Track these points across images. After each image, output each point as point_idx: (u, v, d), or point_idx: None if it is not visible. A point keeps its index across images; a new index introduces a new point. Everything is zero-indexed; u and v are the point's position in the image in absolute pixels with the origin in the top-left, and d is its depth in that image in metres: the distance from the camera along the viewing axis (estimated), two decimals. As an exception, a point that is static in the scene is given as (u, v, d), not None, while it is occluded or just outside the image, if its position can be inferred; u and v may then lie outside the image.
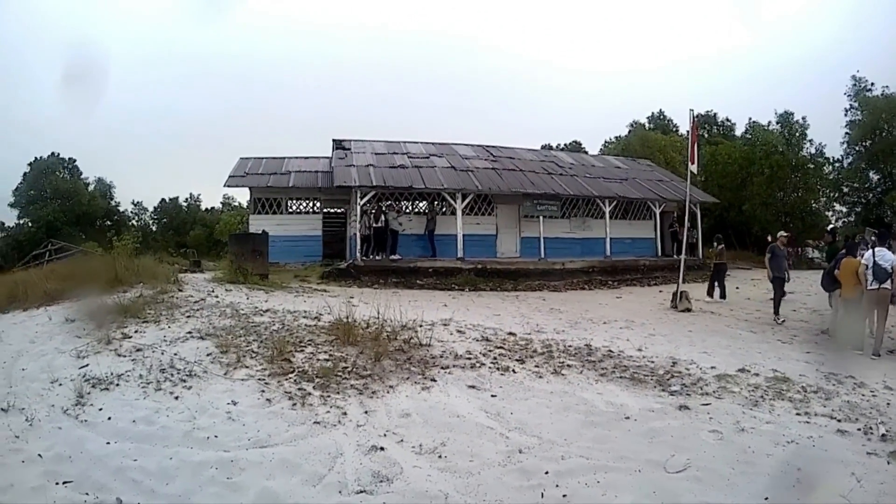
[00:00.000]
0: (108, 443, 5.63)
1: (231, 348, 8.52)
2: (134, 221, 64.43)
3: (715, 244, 19.50)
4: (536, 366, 8.58)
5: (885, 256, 10.63)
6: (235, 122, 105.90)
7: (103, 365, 7.71)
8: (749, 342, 11.44)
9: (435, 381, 7.66)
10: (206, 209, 67.56)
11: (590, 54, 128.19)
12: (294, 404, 6.64)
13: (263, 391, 7.00)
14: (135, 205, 66.63)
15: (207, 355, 8.21)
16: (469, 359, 8.70)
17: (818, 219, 37.26)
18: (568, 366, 8.66)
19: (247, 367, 7.81)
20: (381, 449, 5.65)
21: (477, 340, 9.98)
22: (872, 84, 37.50)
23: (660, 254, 27.26)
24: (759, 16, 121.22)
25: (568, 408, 6.91)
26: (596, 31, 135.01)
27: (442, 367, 8.20)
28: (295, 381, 7.35)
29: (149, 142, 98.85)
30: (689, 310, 15.48)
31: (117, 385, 7.06)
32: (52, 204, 54.23)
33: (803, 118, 38.79)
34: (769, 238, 18.75)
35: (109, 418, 6.14)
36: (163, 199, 67.56)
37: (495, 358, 8.86)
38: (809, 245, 37.43)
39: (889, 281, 10.58)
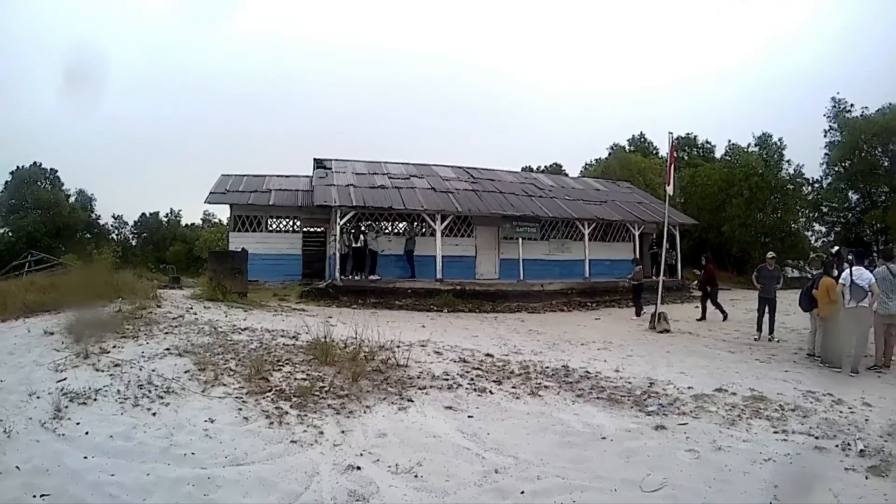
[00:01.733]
0: (86, 457, 5.56)
1: (209, 366, 8.44)
2: (114, 235, 64.07)
3: (633, 265, 20.34)
4: (513, 387, 8.56)
5: (862, 276, 10.68)
6: (219, 139, 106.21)
7: (81, 379, 7.62)
8: (727, 362, 11.45)
9: (412, 401, 7.61)
10: (187, 225, 67.44)
11: (572, 77, 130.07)
12: (271, 423, 6.59)
13: (241, 409, 6.94)
14: (115, 218, 66.54)
15: (185, 372, 8.13)
16: (446, 380, 8.66)
17: (797, 239, 37.46)
18: (545, 387, 8.63)
19: (224, 385, 7.75)
20: (358, 468, 5.59)
21: (454, 361, 9.96)
22: (852, 105, 38.22)
23: None
24: (742, 40, 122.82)
25: (544, 428, 6.88)
26: (579, 55, 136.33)
27: (419, 388, 8.16)
28: (272, 399, 7.30)
29: (130, 154, 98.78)
30: (667, 331, 15.51)
31: (95, 400, 6.97)
32: (32, 214, 54.05)
33: (780, 139, 39.42)
34: (703, 261, 19.16)
35: (87, 433, 6.06)
36: (143, 214, 67.62)
37: (472, 379, 8.82)
38: (789, 265, 37.70)
39: (866, 300, 10.62)
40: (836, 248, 13.93)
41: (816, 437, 6.78)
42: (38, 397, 7.02)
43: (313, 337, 9.83)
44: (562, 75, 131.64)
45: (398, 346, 9.99)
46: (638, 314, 18.67)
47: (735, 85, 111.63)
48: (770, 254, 16.25)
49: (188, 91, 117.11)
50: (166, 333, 10.53)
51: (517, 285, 23.35)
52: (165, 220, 68.00)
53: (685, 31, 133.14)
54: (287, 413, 6.90)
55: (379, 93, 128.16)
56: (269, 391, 7.58)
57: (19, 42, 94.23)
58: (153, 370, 8.14)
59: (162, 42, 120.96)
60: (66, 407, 6.70)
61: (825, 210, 39.86)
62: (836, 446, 6.49)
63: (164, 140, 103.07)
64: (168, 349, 9.29)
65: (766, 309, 14.87)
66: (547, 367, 9.91)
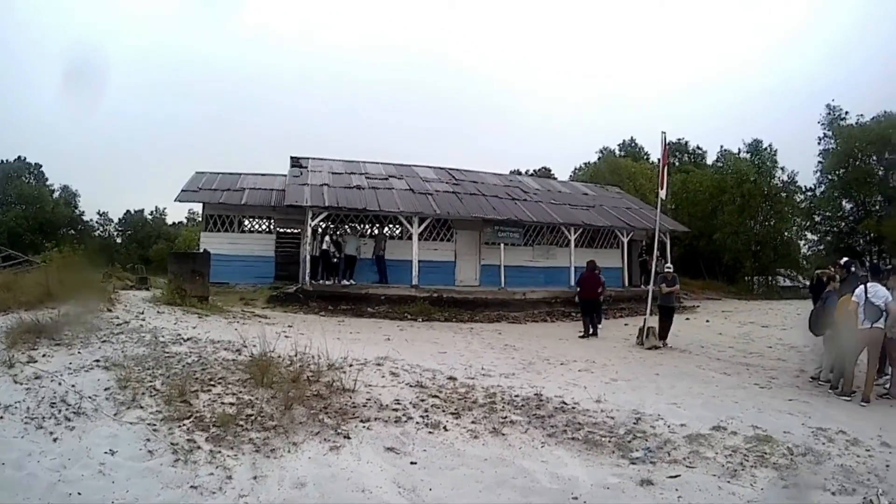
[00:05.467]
0: (-34, 492, 4.57)
1: (132, 383, 7.36)
2: (98, 232, 64.16)
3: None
4: (473, 421, 7.24)
5: (878, 293, 9.48)
6: (207, 136, 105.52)
7: (-4, 393, 6.69)
8: (723, 388, 10.25)
9: (349, 438, 6.36)
10: (172, 223, 67.35)
11: (563, 81, 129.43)
12: (177, 459, 5.52)
13: (149, 440, 5.87)
14: (100, 215, 66.05)
15: (105, 389, 7.10)
16: (396, 410, 7.40)
17: (790, 248, 37.37)
18: (511, 422, 7.32)
19: (142, 407, 6.68)
20: (257, 534, 4.40)
21: (410, 386, 8.67)
22: (847, 113, 37.86)
23: (627, 284, 26.71)
24: (735, 49, 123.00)
25: (502, 482, 5.57)
26: (570, 59, 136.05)
27: (362, 420, 6.90)
28: (188, 429, 6.20)
29: (117, 150, 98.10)
30: (656, 347, 14.43)
31: (1, 418, 6.09)
32: (15, 209, 53.47)
33: (770, 145, 39.48)
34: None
35: (-22, 460, 5.11)
36: (128, 211, 67.38)
37: (427, 410, 7.54)
38: (781, 274, 37.40)
39: (881, 320, 9.45)
40: (845, 259, 12.72)
41: (833, 493, 5.63)
42: (-54, 413, 6.16)
43: (259, 351, 8.59)
44: (552, 79, 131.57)
45: (350, 365, 8.87)
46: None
47: (727, 93, 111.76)
48: (669, 265, 16.93)
49: (175, 87, 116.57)
50: (103, 342, 9.45)
51: (498, 293, 22.60)
52: (150, 217, 67.94)
53: (678, 39, 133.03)
54: (199, 447, 5.79)
55: (366, 91, 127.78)
56: (188, 418, 6.48)
57: (6, 35, 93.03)
58: (73, 385, 7.13)
59: (149, 39, 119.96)
60: (-31, 426, 5.81)
61: (818, 219, 39.47)
62: (857, 505, 5.33)
63: (151, 136, 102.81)
64: (98, 361, 8.22)
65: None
66: (516, 396, 8.56)
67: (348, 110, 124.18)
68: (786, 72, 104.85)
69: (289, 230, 26.02)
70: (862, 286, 9.72)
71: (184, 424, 6.29)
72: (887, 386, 10.08)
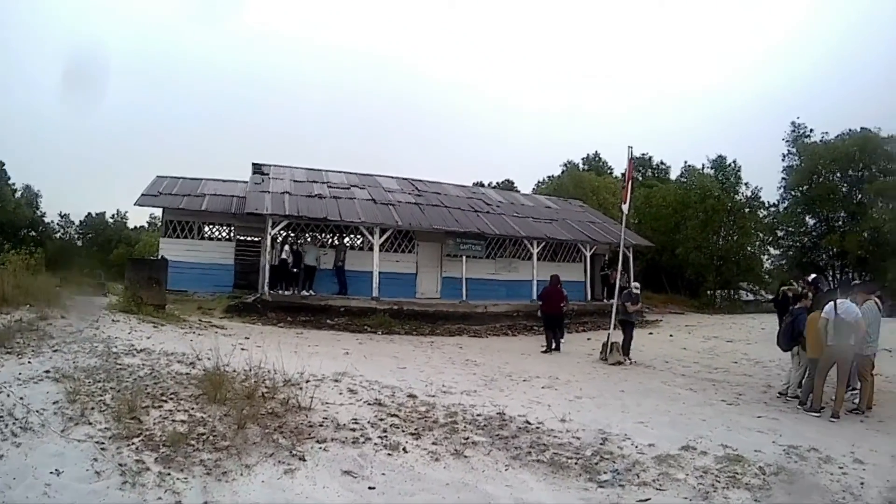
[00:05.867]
0: None
1: (81, 396, 6.97)
2: (59, 234, 63.08)
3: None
4: (434, 442, 6.92)
5: (849, 310, 9.42)
6: (173, 144, 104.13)
7: (-58, 407, 6.26)
8: (690, 405, 10.07)
9: (304, 460, 6.00)
10: (134, 228, 66.53)
11: (529, 92, 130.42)
12: (124, 482, 5.11)
13: (96, 459, 5.44)
14: (62, 217, 64.93)
15: (54, 403, 6.69)
16: (353, 430, 7.05)
17: (752, 263, 38.02)
18: (473, 443, 7.01)
19: (90, 423, 6.26)
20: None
21: (369, 404, 8.33)
22: (811, 130, 38.67)
23: (589, 298, 26.63)
24: (701, 65, 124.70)
25: (464, 509, 5.27)
26: (539, 69, 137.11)
27: (318, 441, 6.54)
28: (137, 448, 5.78)
29: (79, 152, 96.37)
30: (620, 363, 14.22)
31: None
32: None
33: (734, 161, 40.28)
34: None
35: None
36: (89, 214, 66.54)
37: (385, 430, 7.20)
38: (742, 288, 37.74)
39: (852, 337, 9.37)
40: (814, 276, 12.70)
41: (808, 514, 5.38)
42: None
43: (212, 365, 8.17)
44: (518, 90, 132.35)
45: (307, 381, 8.54)
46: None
47: (694, 110, 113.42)
48: (636, 283, 16.80)
49: (169, 87, 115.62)
50: (55, 351, 9.12)
51: (459, 306, 22.42)
52: (111, 221, 67.20)
53: (646, 55, 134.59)
54: (147, 469, 5.39)
55: (336, 96, 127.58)
56: (138, 436, 6.06)
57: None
58: (21, 398, 6.68)
59: (134, 35, 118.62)
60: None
61: (781, 234, 40.09)
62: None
63: (116, 138, 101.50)
64: (48, 371, 7.86)
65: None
66: (478, 415, 8.27)
67: (314, 116, 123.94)
68: (751, 90, 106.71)
69: (249, 238, 25.57)
70: (832, 303, 9.64)
71: (133, 443, 5.91)
72: (856, 401, 10.05)
